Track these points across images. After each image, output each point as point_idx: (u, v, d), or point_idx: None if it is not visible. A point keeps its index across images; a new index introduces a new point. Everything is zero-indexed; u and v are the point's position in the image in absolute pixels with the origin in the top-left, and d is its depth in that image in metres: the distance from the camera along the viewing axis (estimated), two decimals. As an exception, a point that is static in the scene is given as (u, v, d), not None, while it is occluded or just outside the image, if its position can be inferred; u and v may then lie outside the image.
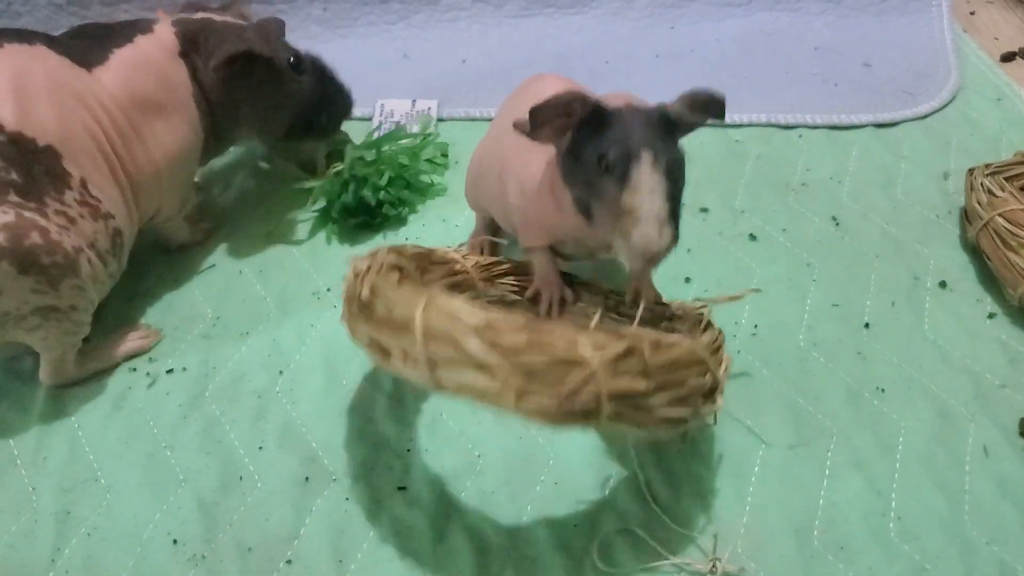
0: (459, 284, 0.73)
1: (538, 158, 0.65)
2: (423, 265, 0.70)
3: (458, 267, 0.73)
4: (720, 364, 0.61)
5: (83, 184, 0.69)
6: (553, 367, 0.47)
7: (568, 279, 0.75)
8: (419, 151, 0.98)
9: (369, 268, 0.58)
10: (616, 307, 0.76)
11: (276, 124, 0.89)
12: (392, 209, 0.91)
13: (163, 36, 0.78)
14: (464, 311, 0.49)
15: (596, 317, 0.64)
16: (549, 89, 0.68)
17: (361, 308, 0.55)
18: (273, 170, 1.00)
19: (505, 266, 0.77)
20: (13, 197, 0.64)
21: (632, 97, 0.61)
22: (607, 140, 0.56)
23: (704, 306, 0.72)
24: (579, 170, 0.59)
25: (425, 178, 0.97)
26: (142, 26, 0.78)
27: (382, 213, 0.91)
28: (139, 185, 0.76)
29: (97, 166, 0.71)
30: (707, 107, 0.59)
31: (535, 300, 0.74)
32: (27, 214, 0.64)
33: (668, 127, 0.58)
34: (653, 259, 0.55)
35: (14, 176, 0.65)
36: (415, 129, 1.02)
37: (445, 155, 1.01)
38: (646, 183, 0.54)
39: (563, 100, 0.56)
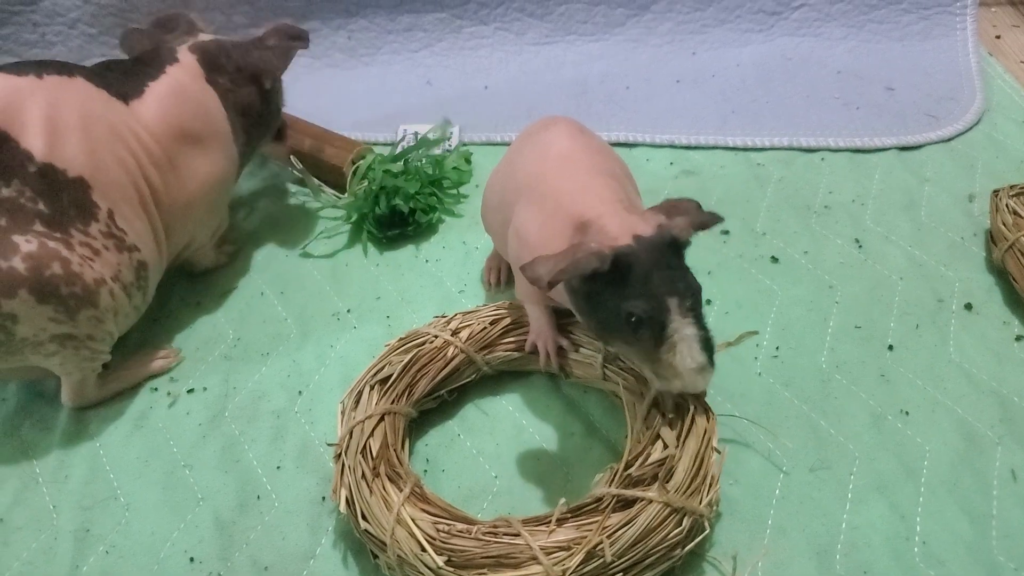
0: (458, 368, 0.71)
1: (543, 217, 0.64)
2: (413, 380, 0.69)
3: (452, 351, 0.71)
4: (707, 483, 0.58)
5: (110, 216, 0.70)
6: None
7: (568, 322, 0.72)
8: (443, 160, 1.00)
9: (349, 444, 0.63)
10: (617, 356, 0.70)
11: (271, 132, 0.92)
12: (424, 216, 0.93)
13: (188, 63, 0.79)
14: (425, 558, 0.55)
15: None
16: (559, 139, 0.68)
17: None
18: (296, 194, 1.01)
19: (507, 320, 0.73)
20: (38, 227, 0.65)
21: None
22: (629, 295, 0.56)
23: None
24: (598, 313, 0.59)
25: (451, 185, 0.99)
26: (167, 55, 0.79)
27: (415, 220, 0.92)
28: (172, 215, 0.76)
29: (127, 199, 0.71)
30: (708, 224, 0.60)
31: (534, 352, 0.72)
32: (51, 244, 0.65)
33: (678, 251, 0.58)
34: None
35: (41, 206, 0.66)
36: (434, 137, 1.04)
37: (468, 161, 1.03)
38: (681, 336, 0.56)
39: (581, 266, 0.55)
